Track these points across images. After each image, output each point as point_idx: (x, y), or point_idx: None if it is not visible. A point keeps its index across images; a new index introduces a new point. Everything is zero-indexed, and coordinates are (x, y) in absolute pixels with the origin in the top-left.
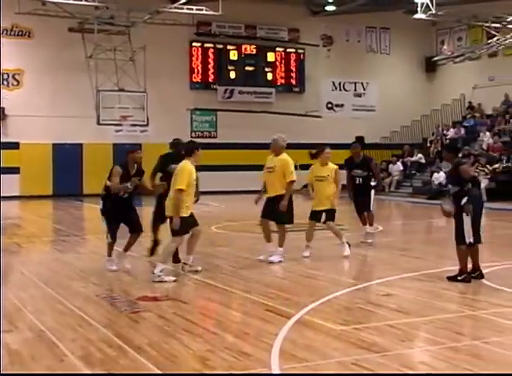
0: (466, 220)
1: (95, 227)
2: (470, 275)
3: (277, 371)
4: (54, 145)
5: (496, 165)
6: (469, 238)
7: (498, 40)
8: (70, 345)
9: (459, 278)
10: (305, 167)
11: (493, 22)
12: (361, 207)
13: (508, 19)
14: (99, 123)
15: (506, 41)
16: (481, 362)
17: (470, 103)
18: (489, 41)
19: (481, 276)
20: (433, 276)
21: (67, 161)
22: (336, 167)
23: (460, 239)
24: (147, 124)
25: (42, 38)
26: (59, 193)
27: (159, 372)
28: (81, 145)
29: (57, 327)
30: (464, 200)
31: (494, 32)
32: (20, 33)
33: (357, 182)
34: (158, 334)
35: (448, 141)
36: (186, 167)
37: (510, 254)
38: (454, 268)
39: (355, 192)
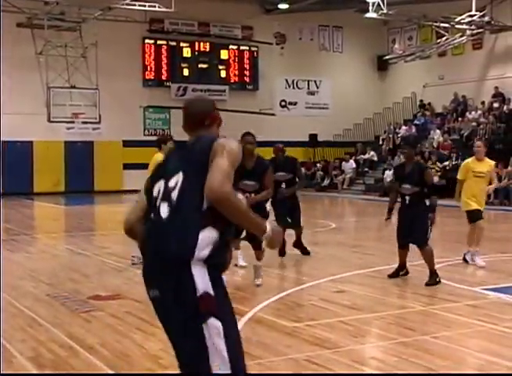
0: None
1: (45, 226)
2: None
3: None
4: (4, 142)
5: (446, 163)
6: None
7: (447, 40)
8: (19, 346)
9: (438, 280)
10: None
11: (442, 22)
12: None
13: (456, 20)
14: (49, 120)
15: (455, 41)
16: (430, 356)
17: (421, 101)
18: (438, 41)
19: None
20: (385, 273)
21: (17, 159)
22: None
23: (425, 239)
24: (99, 122)
25: None
26: (9, 191)
27: (111, 372)
28: (31, 142)
29: (6, 327)
30: (428, 202)
31: (443, 32)
32: None
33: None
34: (110, 334)
35: (400, 138)
36: (153, 158)
37: (459, 250)
38: (411, 263)
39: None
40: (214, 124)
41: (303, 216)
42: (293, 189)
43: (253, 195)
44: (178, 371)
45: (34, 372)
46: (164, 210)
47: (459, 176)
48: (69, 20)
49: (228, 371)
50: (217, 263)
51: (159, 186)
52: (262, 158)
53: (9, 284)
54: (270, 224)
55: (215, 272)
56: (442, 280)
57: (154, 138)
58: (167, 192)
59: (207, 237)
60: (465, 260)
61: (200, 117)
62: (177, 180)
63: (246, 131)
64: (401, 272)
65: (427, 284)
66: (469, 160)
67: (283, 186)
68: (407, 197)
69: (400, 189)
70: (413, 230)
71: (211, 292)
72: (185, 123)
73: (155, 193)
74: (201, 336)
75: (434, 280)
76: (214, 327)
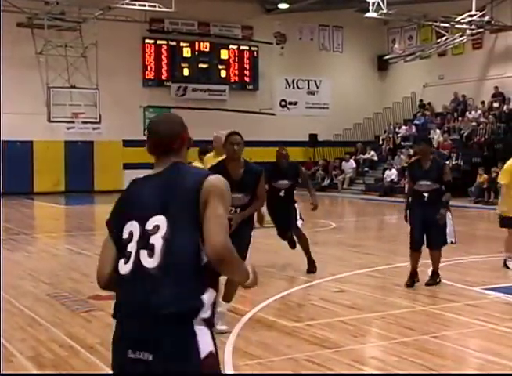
0: (449, 221)
1: (45, 226)
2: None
3: (230, 369)
4: (4, 142)
5: (446, 162)
6: (450, 238)
7: (447, 39)
8: (19, 345)
9: (438, 280)
10: (259, 164)
11: (442, 21)
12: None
13: (456, 19)
14: (50, 120)
15: (455, 41)
16: (429, 355)
17: (421, 101)
18: (438, 41)
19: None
20: (385, 273)
21: (17, 159)
22: None
23: (442, 243)
24: (99, 122)
25: None
26: (9, 190)
27: (111, 372)
28: (31, 142)
29: (6, 327)
30: (444, 198)
31: (443, 32)
32: None
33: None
34: (110, 333)
35: (400, 138)
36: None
37: (458, 250)
38: (405, 264)
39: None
40: (183, 147)
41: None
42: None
43: (239, 210)
44: None
45: (34, 372)
46: (147, 260)
47: (503, 180)
48: (69, 20)
49: None
50: (212, 319)
51: (130, 228)
52: (251, 164)
53: (8, 284)
54: (250, 266)
55: (212, 328)
56: (443, 280)
57: None
58: (146, 237)
59: (210, 299)
60: (505, 266)
61: (168, 141)
62: (157, 224)
63: (232, 131)
64: (415, 278)
65: (427, 284)
66: None
67: (282, 193)
68: (425, 194)
69: (417, 187)
70: (431, 232)
71: (214, 351)
72: (152, 148)
73: (125, 236)
74: None
75: (434, 280)
76: None
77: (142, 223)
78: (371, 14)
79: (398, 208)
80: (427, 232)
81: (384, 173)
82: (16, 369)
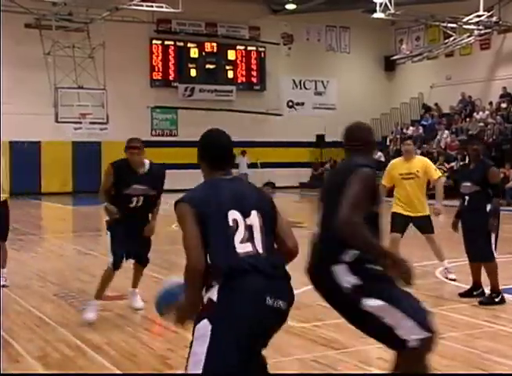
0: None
1: (53, 226)
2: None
3: None
4: (11, 143)
5: (453, 163)
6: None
7: (454, 40)
8: (26, 345)
9: (497, 300)
10: (266, 165)
11: (449, 22)
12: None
13: (464, 20)
14: (57, 120)
15: (462, 41)
16: (436, 356)
17: (424, 104)
18: (446, 41)
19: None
20: None
21: (25, 159)
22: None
23: (488, 255)
24: (107, 122)
25: None
26: (17, 191)
27: (118, 372)
28: (39, 143)
29: (13, 327)
30: (489, 207)
31: (450, 32)
32: None
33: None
34: (118, 334)
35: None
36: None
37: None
38: (418, 264)
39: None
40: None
41: (310, 216)
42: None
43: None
44: (184, 371)
45: (41, 372)
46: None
47: None
48: (76, 21)
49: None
50: None
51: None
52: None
53: (16, 284)
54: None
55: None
56: (448, 281)
57: (161, 138)
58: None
59: None
60: None
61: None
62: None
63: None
64: (475, 291)
65: (480, 303)
66: None
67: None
68: (466, 197)
69: (461, 189)
70: (472, 243)
71: None
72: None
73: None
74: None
75: (491, 298)
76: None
77: (244, 215)
78: (378, 15)
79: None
80: (470, 243)
81: None
82: (24, 369)
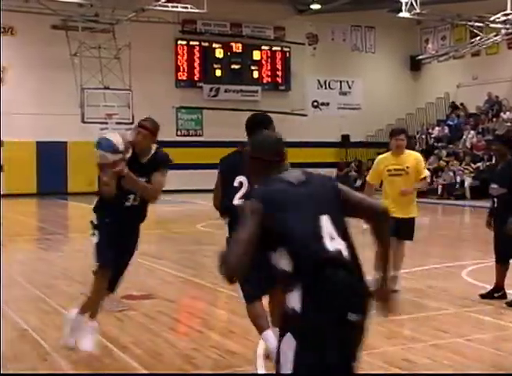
0: None
1: (79, 225)
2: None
3: (262, 369)
4: (38, 143)
5: (479, 164)
6: None
7: (481, 39)
8: (54, 344)
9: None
10: (290, 165)
11: (476, 21)
12: None
13: (490, 19)
14: (83, 121)
15: (489, 41)
16: (463, 358)
17: (452, 102)
18: (472, 41)
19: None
20: (420, 274)
21: (52, 159)
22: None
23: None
24: (132, 122)
25: (25, 35)
26: (44, 191)
27: (145, 371)
28: (65, 143)
29: (41, 326)
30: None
31: (477, 31)
32: (3, 30)
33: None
34: (143, 333)
35: (433, 139)
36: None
37: (493, 252)
38: (439, 266)
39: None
40: None
41: None
42: None
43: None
44: (209, 371)
45: (70, 372)
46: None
47: None
48: (103, 22)
49: None
50: None
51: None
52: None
53: (43, 283)
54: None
55: None
56: (475, 282)
57: (187, 138)
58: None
59: None
60: None
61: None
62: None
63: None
64: (496, 293)
65: (508, 304)
66: None
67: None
68: (495, 200)
69: (489, 190)
70: (502, 244)
71: None
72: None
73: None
74: None
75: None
76: None
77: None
78: (404, 14)
79: (431, 210)
80: (498, 244)
81: None
82: (51, 367)
